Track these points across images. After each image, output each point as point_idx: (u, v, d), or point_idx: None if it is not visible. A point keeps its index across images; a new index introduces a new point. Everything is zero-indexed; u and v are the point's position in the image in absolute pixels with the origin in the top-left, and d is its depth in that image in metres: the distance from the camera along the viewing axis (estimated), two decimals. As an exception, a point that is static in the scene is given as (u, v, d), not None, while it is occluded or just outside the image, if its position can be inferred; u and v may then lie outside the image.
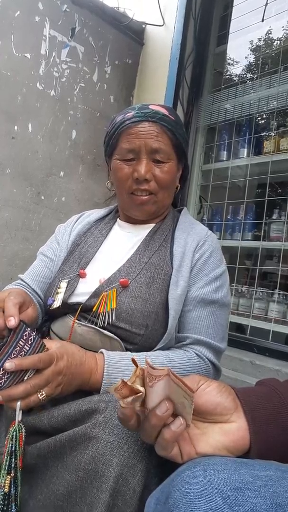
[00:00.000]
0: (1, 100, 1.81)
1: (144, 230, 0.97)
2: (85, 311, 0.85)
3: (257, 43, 2.18)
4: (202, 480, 0.40)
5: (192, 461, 0.46)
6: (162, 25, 2.26)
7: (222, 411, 0.50)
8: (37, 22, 1.90)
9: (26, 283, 0.98)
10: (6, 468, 0.60)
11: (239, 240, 2.03)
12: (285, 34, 2.03)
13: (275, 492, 0.39)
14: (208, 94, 2.23)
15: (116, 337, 0.81)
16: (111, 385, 0.71)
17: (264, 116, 2.14)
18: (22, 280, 1.00)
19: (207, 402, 0.50)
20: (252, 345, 1.77)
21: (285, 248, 1.83)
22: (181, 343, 0.86)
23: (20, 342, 0.62)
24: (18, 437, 0.61)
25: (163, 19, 2.25)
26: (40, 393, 0.63)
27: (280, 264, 1.89)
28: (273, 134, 1.97)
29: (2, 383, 0.59)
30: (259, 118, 2.16)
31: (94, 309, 0.82)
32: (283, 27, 2.01)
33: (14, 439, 0.61)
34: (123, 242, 0.96)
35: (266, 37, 2.13)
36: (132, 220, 0.99)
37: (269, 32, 2.10)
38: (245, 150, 2.06)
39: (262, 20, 1.98)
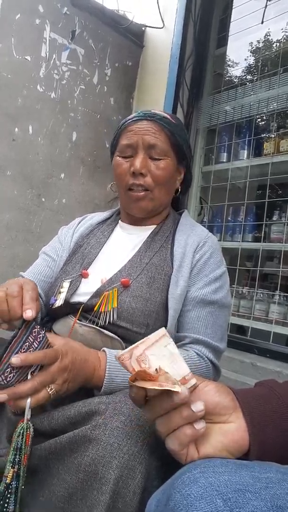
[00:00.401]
0: (2, 102, 1.82)
1: (145, 232, 0.97)
2: (86, 311, 0.85)
3: (257, 45, 2.18)
4: (202, 482, 0.40)
5: (192, 463, 0.46)
6: (162, 27, 2.26)
7: (221, 410, 0.50)
8: (37, 25, 1.91)
9: None
10: (11, 461, 0.60)
11: (239, 241, 2.03)
12: (284, 36, 2.03)
13: (276, 494, 0.39)
14: (208, 96, 2.23)
15: (117, 337, 0.81)
16: (112, 382, 0.71)
17: (264, 118, 2.14)
18: (23, 278, 1.00)
19: (206, 401, 0.49)
20: (252, 346, 1.77)
21: (285, 250, 1.83)
22: (180, 343, 0.86)
23: (30, 337, 0.62)
24: (25, 435, 0.61)
25: (162, 21, 2.25)
26: (50, 388, 0.63)
27: (281, 266, 1.89)
28: (273, 136, 1.98)
29: (7, 380, 0.59)
30: (259, 120, 2.16)
31: (95, 309, 0.83)
32: (282, 29, 2.01)
33: (21, 436, 0.61)
34: (124, 243, 0.97)
35: (266, 39, 2.13)
36: (134, 222, 1.00)
37: (269, 34, 2.10)
38: (245, 151, 2.06)
39: (262, 22, 1.99)
